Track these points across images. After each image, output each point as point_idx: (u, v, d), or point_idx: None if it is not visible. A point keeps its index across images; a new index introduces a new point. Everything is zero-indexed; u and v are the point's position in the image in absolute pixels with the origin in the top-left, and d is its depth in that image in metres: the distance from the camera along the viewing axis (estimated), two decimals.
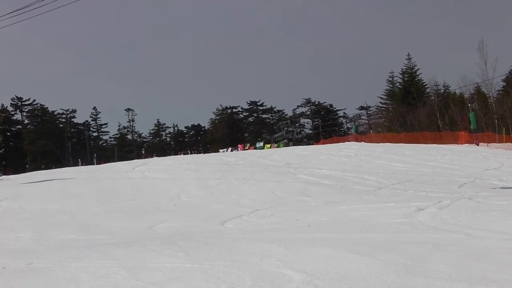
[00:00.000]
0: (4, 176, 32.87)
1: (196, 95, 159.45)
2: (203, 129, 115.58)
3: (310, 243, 7.09)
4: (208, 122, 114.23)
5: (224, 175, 21.02)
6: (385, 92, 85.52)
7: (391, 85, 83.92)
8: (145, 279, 5.54)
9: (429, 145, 38.48)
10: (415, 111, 66.09)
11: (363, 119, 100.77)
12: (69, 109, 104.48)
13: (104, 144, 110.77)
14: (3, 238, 9.98)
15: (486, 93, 65.20)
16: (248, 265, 5.88)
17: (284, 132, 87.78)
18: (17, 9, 17.79)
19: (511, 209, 9.48)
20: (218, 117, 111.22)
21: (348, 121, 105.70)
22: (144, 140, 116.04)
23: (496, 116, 55.99)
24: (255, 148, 67.68)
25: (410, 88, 75.25)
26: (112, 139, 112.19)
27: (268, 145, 72.20)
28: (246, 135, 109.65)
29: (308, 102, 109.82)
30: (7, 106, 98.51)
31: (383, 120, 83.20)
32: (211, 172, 22.44)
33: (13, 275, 6.06)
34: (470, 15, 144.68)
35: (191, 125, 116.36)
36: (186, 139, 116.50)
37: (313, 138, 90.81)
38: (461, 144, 39.46)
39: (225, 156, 36.64)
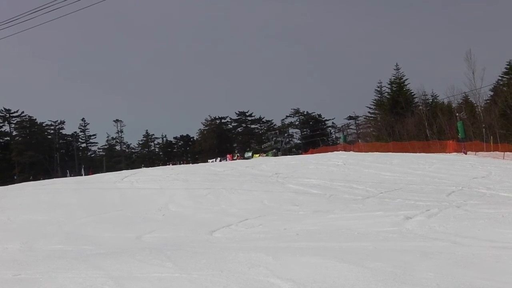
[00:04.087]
0: None
1: (185, 106, 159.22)
2: (192, 139, 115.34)
3: (298, 252, 7.09)
4: (197, 132, 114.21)
5: (213, 185, 20.98)
6: (373, 102, 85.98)
7: (379, 95, 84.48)
8: None
9: (417, 154, 38.68)
10: (403, 121, 66.48)
11: (351, 128, 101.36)
12: (57, 121, 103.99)
13: (93, 155, 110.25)
14: None
15: (474, 102, 65.80)
16: (236, 274, 5.87)
17: (272, 142, 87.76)
18: (4, 21, 17.69)
19: (499, 217, 9.54)
20: (207, 128, 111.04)
21: (337, 131, 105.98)
22: (133, 151, 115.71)
23: (483, 125, 56.54)
24: (244, 158, 67.59)
25: (398, 98, 75.72)
26: (101, 150, 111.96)
27: (257, 155, 72.09)
28: (235, 145, 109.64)
29: (296, 112, 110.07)
30: None
31: (371, 129, 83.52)
32: (199, 182, 22.38)
33: (0, 287, 6.01)
34: (457, 26, 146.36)
35: (180, 135, 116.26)
36: (175, 150, 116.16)
37: (302, 148, 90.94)
38: (449, 153, 39.73)
39: (214, 166, 36.56)
